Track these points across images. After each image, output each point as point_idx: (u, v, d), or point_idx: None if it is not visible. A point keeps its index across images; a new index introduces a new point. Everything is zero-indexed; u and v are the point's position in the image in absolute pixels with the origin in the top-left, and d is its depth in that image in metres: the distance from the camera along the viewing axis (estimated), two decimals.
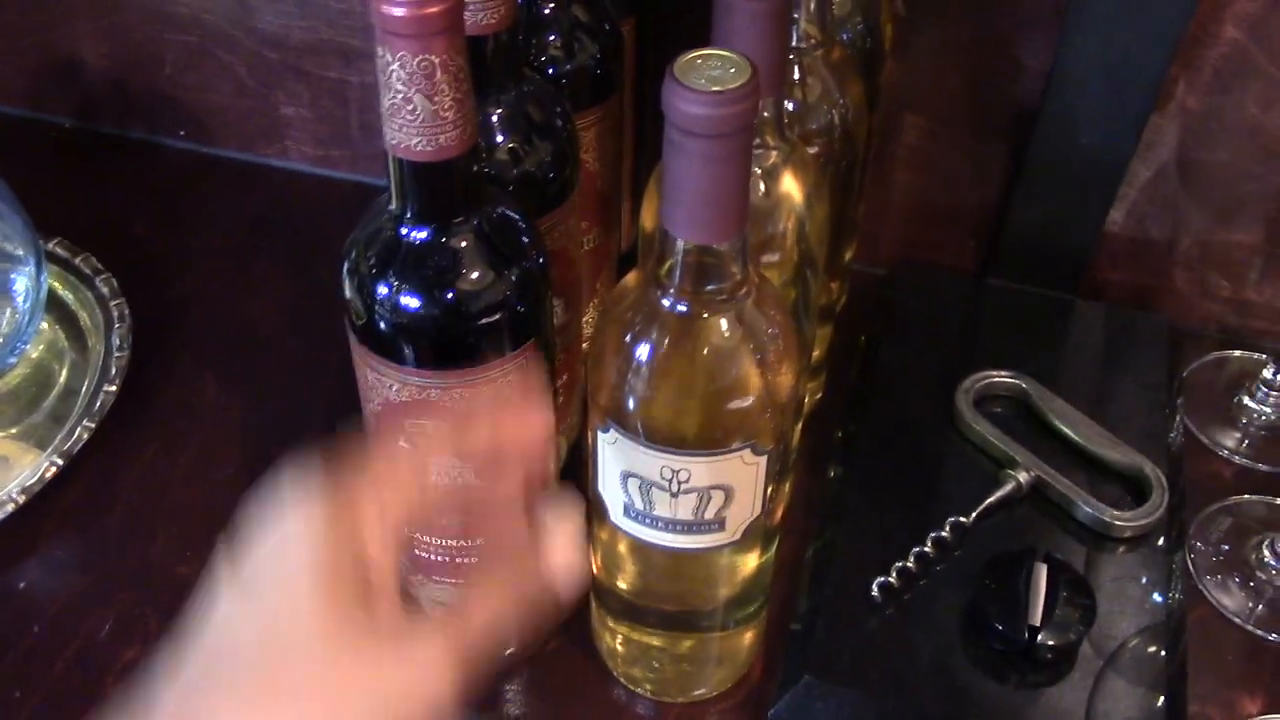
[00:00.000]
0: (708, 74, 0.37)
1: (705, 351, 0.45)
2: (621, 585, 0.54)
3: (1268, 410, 0.70)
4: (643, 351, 0.45)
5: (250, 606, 0.33)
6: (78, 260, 0.76)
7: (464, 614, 0.34)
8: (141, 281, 0.76)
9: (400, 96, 0.41)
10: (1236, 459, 0.68)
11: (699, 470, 0.46)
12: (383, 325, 0.47)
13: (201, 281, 0.79)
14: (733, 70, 0.38)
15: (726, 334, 0.44)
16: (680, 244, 0.42)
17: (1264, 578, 0.62)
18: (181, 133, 0.88)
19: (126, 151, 0.89)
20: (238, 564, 0.33)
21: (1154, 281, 0.75)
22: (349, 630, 0.32)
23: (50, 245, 0.76)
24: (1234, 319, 0.75)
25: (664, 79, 0.38)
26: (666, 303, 0.44)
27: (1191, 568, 0.62)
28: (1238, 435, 0.69)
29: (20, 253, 0.69)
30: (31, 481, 0.65)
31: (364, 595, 0.33)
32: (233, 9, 0.80)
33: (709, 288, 0.43)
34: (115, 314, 0.73)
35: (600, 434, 0.47)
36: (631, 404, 0.45)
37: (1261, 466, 0.68)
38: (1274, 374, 0.69)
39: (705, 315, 0.44)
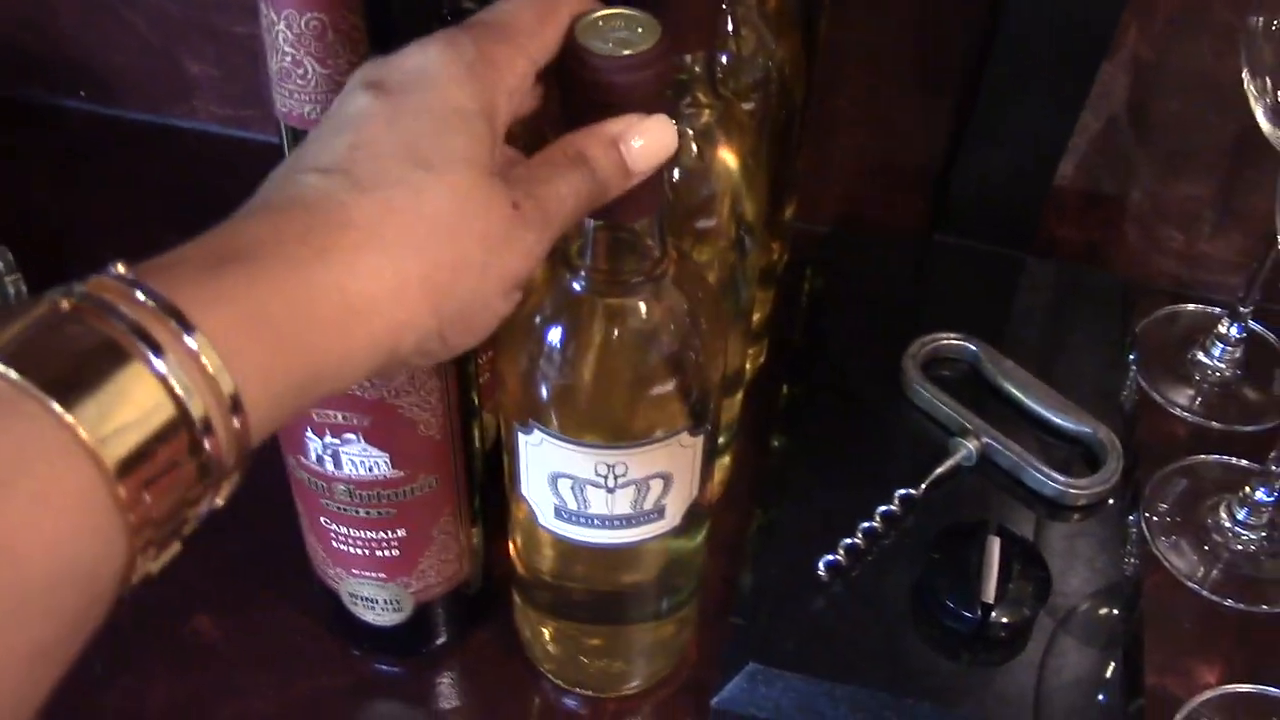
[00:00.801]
0: (613, 35, 0.34)
1: (621, 336, 0.41)
2: (545, 578, 0.51)
3: (1222, 366, 0.68)
4: (554, 337, 0.41)
5: (389, 105, 0.32)
6: None
7: (549, 195, 0.34)
8: (40, 254, 0.71)
9: (289, 60, 0.37)
10: (1190, 417, 0.66)
11: (636, 461, 0.42)
12: None
13: (106, 253, 0.74)
14: (640, 30, 0.34)
15: (645, 316, 0.41)
16: (590, 221, 0.38)
17: (1220, 540, 0.61)
18: (82, 93, 0.83)
19: (22, 115, 0.84)
20: (377, 68, 0.33)
21: (1105, 236, 0.73)
22: (481, 154, 0.32)
23: None
24: (1187, 273, 0.73)
25: (563, 41, 0.34)
26: (578, 285, 0.40)
27: (1146, 532, 0.61)
28: (1191, 392, 0.67)
29: None
30: None
31: (492, 137, 0.33)
32: None
33: (624, 267, 0.40)
34: (12, 290, 0.69)
35: (521, 435, 0.43)
36: (547, 395, 0.42)
37: (1215, 425, 0.66)
38: (1229, 328, 0.67)
39: (621, 297, 0.40)
